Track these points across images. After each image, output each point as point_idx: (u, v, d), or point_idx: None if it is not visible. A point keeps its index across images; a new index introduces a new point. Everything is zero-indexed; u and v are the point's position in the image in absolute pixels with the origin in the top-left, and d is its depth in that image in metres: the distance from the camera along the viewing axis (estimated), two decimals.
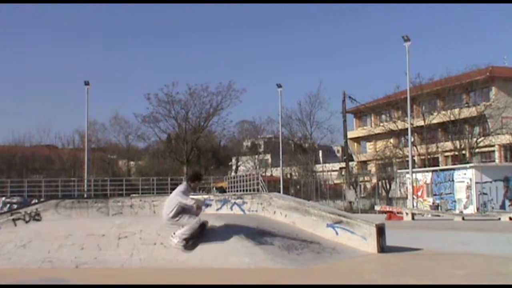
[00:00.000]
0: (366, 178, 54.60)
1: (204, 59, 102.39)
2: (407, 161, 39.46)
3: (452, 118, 48.31)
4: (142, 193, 33.66)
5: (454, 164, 43.20)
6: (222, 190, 34.02)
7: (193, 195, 10.27)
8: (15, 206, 27.95)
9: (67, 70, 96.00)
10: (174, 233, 9.61)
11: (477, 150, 48.35)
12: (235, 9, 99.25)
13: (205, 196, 12.50)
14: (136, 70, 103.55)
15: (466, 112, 48.48)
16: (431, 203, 37.01)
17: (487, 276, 8.12)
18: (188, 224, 9.52)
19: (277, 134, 53.80)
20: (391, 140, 54.62)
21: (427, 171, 39.81)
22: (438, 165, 46.26)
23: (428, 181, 38.38)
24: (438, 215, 31.14)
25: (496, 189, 34.91)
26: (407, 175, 38.37)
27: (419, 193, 38.43)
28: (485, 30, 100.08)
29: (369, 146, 64.22)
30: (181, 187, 9.86)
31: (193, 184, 9.98)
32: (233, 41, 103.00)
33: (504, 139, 46.97)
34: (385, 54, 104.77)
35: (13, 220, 12.98)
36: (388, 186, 47.61)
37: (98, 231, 10.46)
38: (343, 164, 56.38)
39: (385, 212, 31.19)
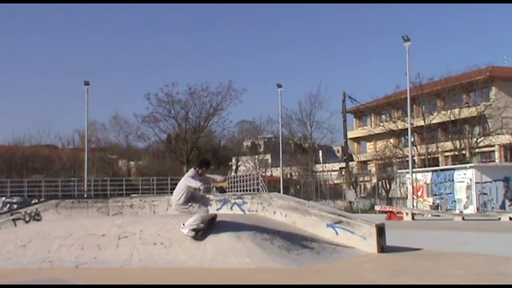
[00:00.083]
0: (366, 178, 54.56)
1: (204, 59, 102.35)
2: (407, 161, 39.43)
3: (452, 118, 48.24)
4: (142, 193, 33.51)
5: (454, 164, 43.12)
6: (222, 190, 33.92)
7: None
8: (15, 206, 27.91)
9: (67, 70, 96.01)
10: (183, 224, 9.66)
11: (477, 150, 48.32)
12: (235, 9, 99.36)
13: (218, 177, 11.03)
14: (136, 70, 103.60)
15: (466, 112, 48.40)
16: (431, 203, 36.99)
17: (487, 276, 8.12)
18: (198, 214, 9.56)
19: (277, 134, 53.72)
20: (391, 140, 54.54)
21: (427, 171, 39.76)
22: (438, 165, 46.19)
23: (428, 181, 38.35)
24: (438, 215, 31.13)
25: (496, 189, 34.88)
26: (407, 175, 38.35)
27: (419, 193, 38.40)
28: (485, 30, 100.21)
29: (369, 146, 64.17)
30: (189, 173, 9.88)
31: (201, 170, 9.89)
32: (233, 41, 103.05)
33: (504, 139, 46.93)
34: (385, 54, 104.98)
35: (13, 220, 13.01)
36: (388, 186, 47.55)
37: (98, 231, 10.46)
38: (343, 164, 56.41)
39: (385, 212, 31.16)
